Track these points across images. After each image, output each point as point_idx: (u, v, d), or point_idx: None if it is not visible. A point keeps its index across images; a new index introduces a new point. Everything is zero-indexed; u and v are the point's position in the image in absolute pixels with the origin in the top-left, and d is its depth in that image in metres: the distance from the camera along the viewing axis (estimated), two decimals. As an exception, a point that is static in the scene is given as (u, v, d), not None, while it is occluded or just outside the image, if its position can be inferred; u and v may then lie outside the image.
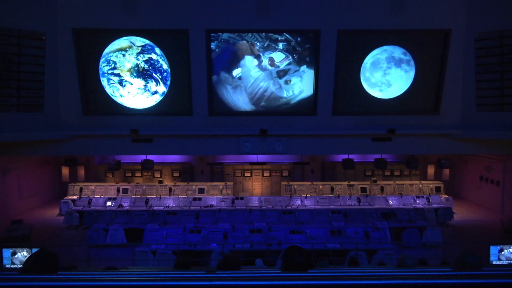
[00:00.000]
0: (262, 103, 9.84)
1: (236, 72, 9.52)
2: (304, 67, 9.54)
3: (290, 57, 9.44)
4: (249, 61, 9.46)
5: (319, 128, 10.18)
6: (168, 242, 10.40)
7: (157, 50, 9.48)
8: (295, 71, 9.58)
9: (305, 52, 9.45)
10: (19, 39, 8.82)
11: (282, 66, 9.38)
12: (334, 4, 9.17)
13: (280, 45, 9.37)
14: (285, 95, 9.74)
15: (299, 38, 9.36)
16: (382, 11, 9.21)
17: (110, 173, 17.20)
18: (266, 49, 9.32)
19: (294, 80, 9.58)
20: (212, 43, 9.28)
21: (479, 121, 9.80)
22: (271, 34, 9.29)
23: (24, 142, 9.79)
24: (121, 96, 9.72)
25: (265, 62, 9.43)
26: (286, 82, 9.57)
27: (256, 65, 9.48)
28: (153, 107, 9.91)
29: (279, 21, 9.26)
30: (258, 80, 9.59)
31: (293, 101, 9.87)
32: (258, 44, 9.28)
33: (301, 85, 9.67)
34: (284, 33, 9.30)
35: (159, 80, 9.65)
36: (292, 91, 9.71)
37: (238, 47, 9.34)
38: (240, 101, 9.81)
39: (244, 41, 9.24)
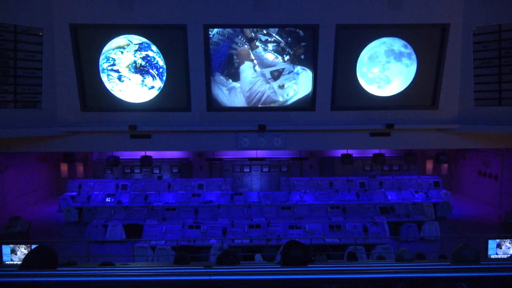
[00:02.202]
0: (259, 106, 9.86)
1: (230, 75, 9.51)
2: (298, 68, 9.51)
3: (280, 58, 9.43)
4: (248, 66, 9.44)
5: (318, 123, 10.17)
6: (167, 238, 10.43)
7: (153, 47, 9.47)
8: (289, 72, 9.56)
9: (299, 51, 9.41)
10: (16, 35, 8.76)
11: (276, 67, 9.37)
12: (332, -1, 9.13)
13: (270, 46, 9.36)
14: (280, 99, 9.77)
15: (289, 39, 9.34)
16: (380, 5, 9.18)
17: (109, 169, 17.20)
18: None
19: (288, 83, 9.59)
20: None
21: (477, 116, 9.81)
22: (260, 35, 9.27)
23: (22, 139, 9.76)
24: (120, 91, 9.72)
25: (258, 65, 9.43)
26: (280, 87, 9.58)
27: (253, 68, 9.45)
28: (151, 102, 9.88)
29: (277, 16, 9.21)
30: (255, 86, 9.58)
31: (288, 102, 9.88)
32: (247, 45, 9.28)
33: (296, 88, 9.67)
34: (274, 35, 9.26)
35: (155, 75, 9.64)
36: (287, 94, 9.73)
37: (239, 53, 9.32)
38: (236, 103, 9.81)
39: (246, 46, 9.20)
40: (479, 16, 9.25)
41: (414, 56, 9.71)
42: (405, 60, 9.75)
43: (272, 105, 9.85)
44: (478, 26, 9.30)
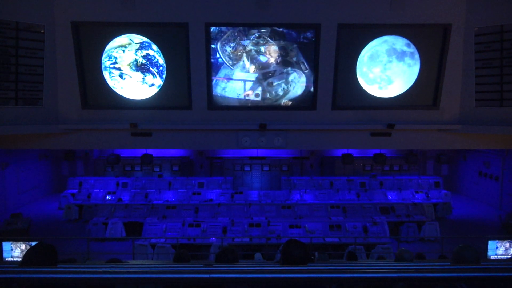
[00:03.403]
0: (249, 105, 9.88)
1: (224, 76, 9.57)
2: (288, 69, 9.55)
3: (273, 60, 9.46)
4: (241, 67, 9.49)
5: (319, 123, 10.16)
6: (168, 236, 10.44)
7: (154, 46, 9.51)
8: (280, 73, 9.59)
9: (291, 53, 9.44)
10: (17, 32, 8.76)
11: (268, 69, 9.42)
12: (334, -2, 9.11)
13: (262, 49, 9.38)
14: (268, 96, 9.79)
15: (281, 41, 9.39)
16: (382, 5, 9.16)
17: (109, 167, 17.21)
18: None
19: (277, 82, 9.62)
20: None
21: (478, 117, 9.79)
22: (252, 38, 9.31)
23: (23, 136, 9.77)
24: (122, 88, 9.75)
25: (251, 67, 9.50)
26: (269, 84, 9.61)
27: (245, 69, 9.50)
28: (152, 100, 9.89)
29: (279, 15, 9.20)
30: (247, 85, 9.64)
31: (278, 102, 9.87)
32: (241, 48, 9.32)
33: (285, 87, 9.70)
34: (266, 38, 9.29)
35: (155, 73, 9.68)
36: (275, 93, 9.75)
37: (233, 54, 9.38)
38: (230, 103, 9.86)
39: (239, 48, 9.26)
40: (481, 16, 9.23)
41: (417, 56, 9.67)
42: (407, 60, 9.71)
43: (261, 104, 9.84)
44: (480, 26, 9.28)
